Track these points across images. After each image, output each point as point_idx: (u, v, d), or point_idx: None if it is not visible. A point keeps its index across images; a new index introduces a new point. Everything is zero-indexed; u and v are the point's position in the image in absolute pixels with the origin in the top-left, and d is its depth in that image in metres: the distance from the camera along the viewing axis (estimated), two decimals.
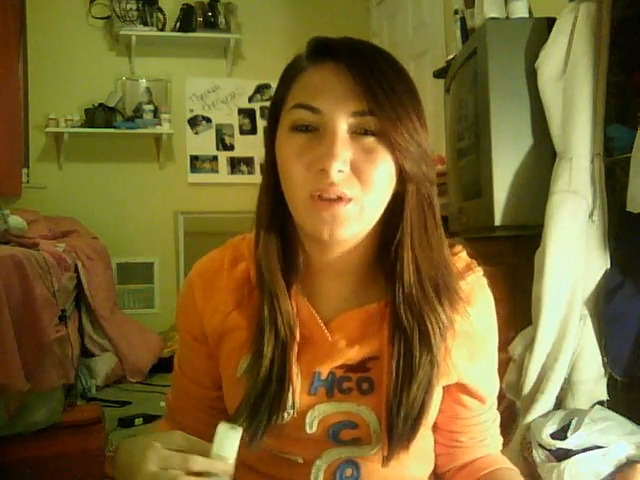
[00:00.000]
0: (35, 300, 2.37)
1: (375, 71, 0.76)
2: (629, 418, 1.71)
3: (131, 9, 4.57)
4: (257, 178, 0.84)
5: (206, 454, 0.72)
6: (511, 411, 1.91)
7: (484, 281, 0.89)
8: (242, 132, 4.91)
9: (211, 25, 4.71)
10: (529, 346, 1.88)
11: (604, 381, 1.85)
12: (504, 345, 0.86)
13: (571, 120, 1.90)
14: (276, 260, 0.83)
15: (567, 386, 1.85)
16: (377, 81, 0.76)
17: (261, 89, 4.90)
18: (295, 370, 0.84)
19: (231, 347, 0.88)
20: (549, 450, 1.67)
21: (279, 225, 0.83)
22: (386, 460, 0.83)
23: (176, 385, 0.99)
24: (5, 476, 2.16)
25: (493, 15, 2.21)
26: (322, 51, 0.79)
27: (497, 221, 2.06)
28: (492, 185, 2.06)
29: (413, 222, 0.80)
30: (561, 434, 1.68)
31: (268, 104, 0.88)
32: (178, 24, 4.65)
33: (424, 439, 0.90)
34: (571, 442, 1.63)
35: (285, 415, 0.83)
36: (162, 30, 4.68)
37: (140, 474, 0.71)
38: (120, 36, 4.59)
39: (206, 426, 0.96)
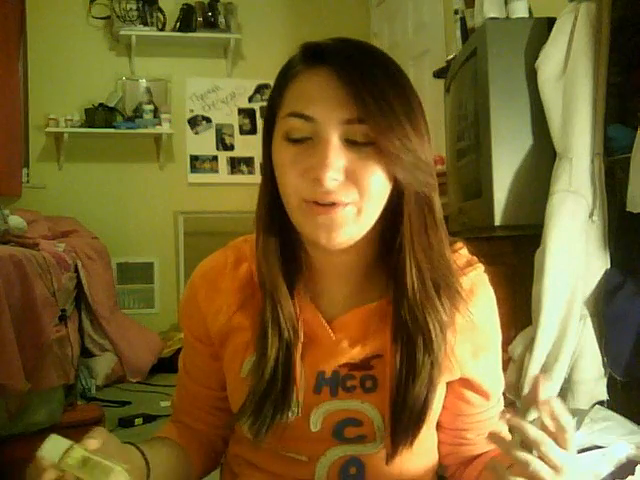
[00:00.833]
0: (35, 300, 2.37)
1: (366, 77, 0.75)
2: (629, 418, 1.71)
3: (131, 9, 4.58)
4: (257, 178, 0.84)
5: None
6: (511, 411, 1.90)
7: (485, 277, 0.89)
8: (242, 132, 4.91)
9: (211, 25, 4.71)
10: (529, 346, 1.88)
11: (604, 381, 1.85)
12: (504, 345, 0.87)
13: (571, 120, 1.90)
14: (277, 261, 0.83)
15: (567, 386, 1.85)
16: (367, 88, 0.75)
17: (261, 89, 4.90)
18: (299, 370, 0.84)
19: (235, 348, 0.88)
20: None
21: (279, 226, 0.83)
22: (390, 457, 0.83)
23: (181, 386, 0.99)
24: (5, 476, 2.15)
25: (493, 15, 2.21)
26: (315, 56, 0.79)
27: (497, 221, 2.06)
28: (492, 185, 2.07)
29: (413, 225, 0.80)
30: None
31: None
32: (178, 24, 4.66)
33: (427, 437, 0.90)
34: None
35: (289, 414, 0.84)
36: (162, 30, 4.68)
37: None
38: (120, 36, 4.60)
39: (212, 427, 0.97)
